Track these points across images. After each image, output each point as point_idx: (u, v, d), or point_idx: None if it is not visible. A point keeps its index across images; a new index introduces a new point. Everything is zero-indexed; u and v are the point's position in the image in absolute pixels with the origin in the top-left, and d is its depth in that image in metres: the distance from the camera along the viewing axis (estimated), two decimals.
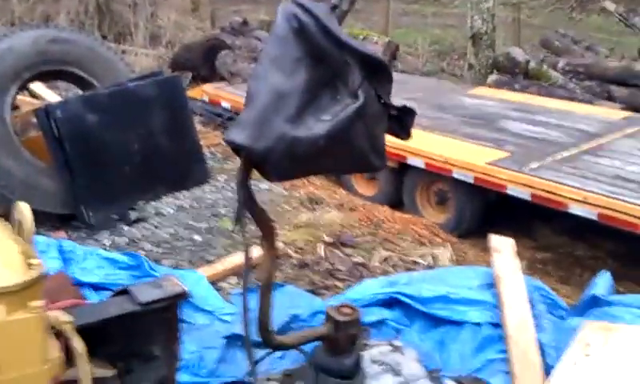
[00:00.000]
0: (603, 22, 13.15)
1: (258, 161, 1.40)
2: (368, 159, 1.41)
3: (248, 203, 1.48)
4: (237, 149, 1.42)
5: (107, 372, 1.57)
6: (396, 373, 1.81)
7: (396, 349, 1.91)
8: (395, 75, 7.17)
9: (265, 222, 1.56)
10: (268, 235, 1.56)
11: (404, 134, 1.50)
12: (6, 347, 1.11)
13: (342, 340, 1.64)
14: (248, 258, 1.46)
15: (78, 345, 1.30)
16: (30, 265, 1.17)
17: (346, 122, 1.32)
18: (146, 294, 1.75)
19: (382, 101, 1.43)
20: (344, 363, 1.64)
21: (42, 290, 1.20)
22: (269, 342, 1.63)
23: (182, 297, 1.80)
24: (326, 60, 1.36)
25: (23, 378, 1.14)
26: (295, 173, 1.45)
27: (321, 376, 1.64)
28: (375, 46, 9.93)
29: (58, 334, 1.31)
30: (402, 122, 1.48)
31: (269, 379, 1.79)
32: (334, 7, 1.49)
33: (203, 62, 10.34)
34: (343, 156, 1.39)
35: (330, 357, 1.65)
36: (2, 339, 1.11)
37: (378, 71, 1.43)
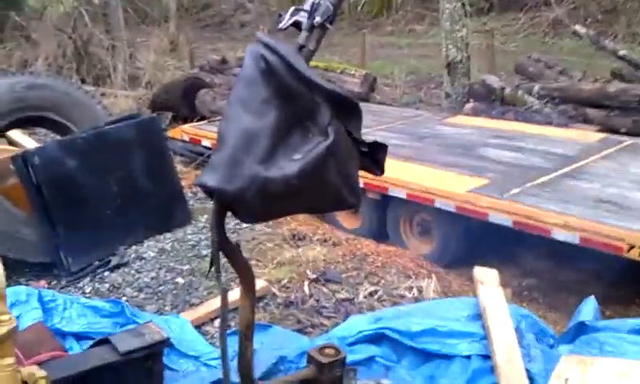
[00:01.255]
0: (576, 45, 13.44)
1: (231, 203, 1.39)
2: (342, 197, 1.40)
3: (223, 246, 1.45)
4: (209, 191, 1.41)
5: None
6: None
7: None
8: (374, 106, 7.28)
9: (241, 264, 1.53)
10: (245, 278, 1.54)
11: (377, 169, 1.50)
12: None
13: (326, 382, 1.60)
14: (225, 303, 1.44)
15: None
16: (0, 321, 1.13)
17: (318, 160, 1.32)
18: (127, 343, 1.72)
19: (353, 137, 1.43)
20: None
21: (14, 345, 1.16)
22: None
23: (163, 344, 1.77)
24: (295, 99, 1.37)
25: None
26: (269, 213, 1.44)
27: None
28: (353, 79, 10.05)
29: None
30: (374, 157, 1.48)
31: None
32: (301, 47, 1.50)
33: (183, 101, 10.37)
34: (317, 194, 1.38)
35: None
36: None
37: (346, 108, 1.44)
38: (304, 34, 1.60)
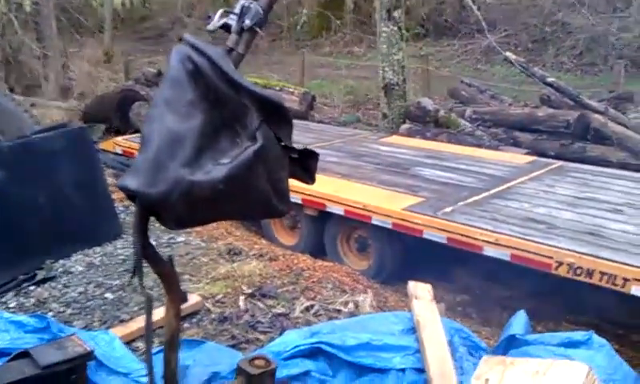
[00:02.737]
0: (506, 72, 13.97)
1: (154, 207, 1.33)
2: (271, 203, 1.36)
3: (146, 251, 1.39)
4: (131, 195, 1.34)
5: None
6: None
7: None
8: (313, 125, 7.31)
9: (165, 272, 1.47)
10: (170, 288, 1.48)
11: (307, 177, 1.48)
12: None
13: None
14: (149, 310, 1.37)
15: None
16: None
17: (246, 165, 1.28)
18: (48, 356, 1.62)
19: (282, 143, 1.40)
20: None
21: None
22: None
23: (86, 357, 1.68)
24: (223, 103, 1.33)
25: None
26: (195, 219, 1.39)
27: None
28: (292, 97, 10.08)
29: None
30: (304, 165, 1.46)
31: None
32: (230, 50, 1.46)
33: (116, 113, 10.12)
34: (244, 200, 1.34)
35: None
36: None
37: (276, 113, 1.41)
38: (233, 36, 1.57)
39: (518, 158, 7.39)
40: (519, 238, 4.78)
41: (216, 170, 1.28)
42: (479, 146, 8.01)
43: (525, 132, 8.60)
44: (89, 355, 1.70)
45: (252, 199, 1.35)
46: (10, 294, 4.07)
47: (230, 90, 1.33)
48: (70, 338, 1.81)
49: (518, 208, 5.45)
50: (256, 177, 1.31)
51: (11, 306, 3.94)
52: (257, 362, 1.60)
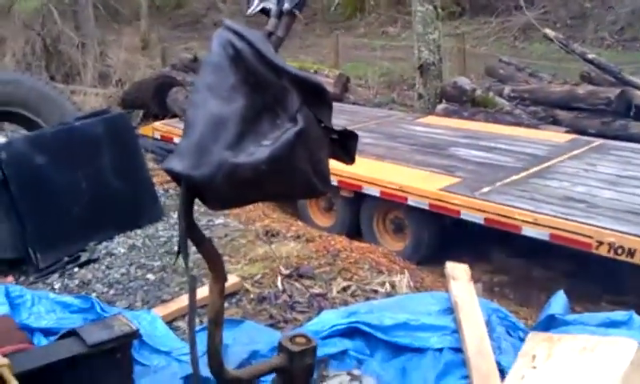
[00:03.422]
0: (545, 49, 13.66)
1: (199, 189, 1.36)
2: (311, 184, 1.38)
3: (191, 232, 1.43)
4: (176, 177, 1.38)
5: None
6: None
7: (355, 378, 1.88)
8: (347, 106, 7.33)
9: (210, 252, 1.51)
10: (214, 266, 1.51)
11: (347, 158, 1.49)
12: None
13: (297, 371, 1.59)
14: (192, 290, 1.41)
15: None
16: None
17: (287, 146, 1.30)
18: (95, 335, 1.68)
19: (322, 124, 1.42)
20: None
21: None
22: (220, 376, 1.57)
23: (132, 336, 1.74)
24: (264, 86, 1.35)
25: None
26: (238, 200, 1.42)
27: None
28: (327, 79, 10.07)
29: None
30: (344, 145, 1.47)
31: None
32: (270, 34, 1.48)
33: (154, 99, 10.27)
34: (286, 181, 1.36)
35: None
36: None
37: (316, 95, 1.42)
38: (273, 20, 1.59)
39: (557, 136, 7.27)
40: (559, 217, 4.72)
41: (258, 151, 1.31)
42: (518, 124, 7.89)
43: (565, 110, 8.42)
44: (134, 334, 1.76)
45: (293, 180, 1.37)
46: (55, 275, 4.19)
47: (271, 74, 1.35)
48: (115, 317, 1.87)
49: (558, 187, 5.37)
50: (297, 158, 1.33)
51: (56, 287, 4.06)
52: (298, 339, 1.63)
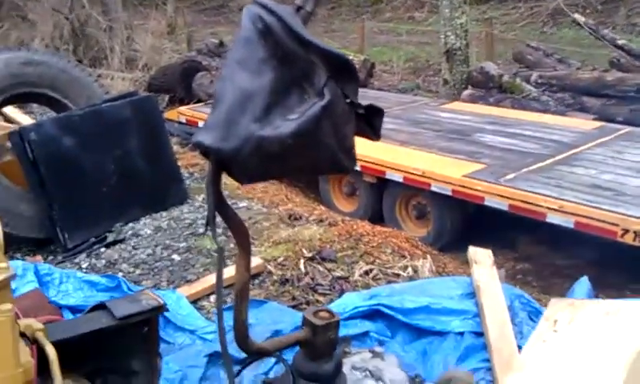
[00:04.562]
0: (574, 35, 13.42)
1: (227, 162, 1.38)
2: (337, 159, 1.39)
3: (219, 206, 1.46)
4: (205, 151, 1.40)
5: None
6: (377, 378, 1.79)
7: (377, 355, 1.90)
8: (372, 92, 7.30)
9: (237, 225, 1.53)
10: (241, 240, 1.54)
11: (373, 134, 1.50)
12: None
13: (321, 344, 1.61)
14: (221, 261, 1.44)
15: (50, 351, 1.27)
16: None
17: (313, 120, 1.31)
18: (123, 308, 1.72)
19: (349, 100, 1.42)
20: (323, 368, 1.62)
21: (10, 293, 1.17)
22: (246, 348, 1.60)
23: (159, 310, 1.78)
24: (292, 60, 1.36)
25: None
26: (264, 173, 1.43)
27: (300, 381, 1.62)
28: None
29: (31, 342, 1.29)
30: (370, 122, 1.48)
31: None
32: (299, 8, 1.48)
33: (180, 84, 10.34)
34: (312, 156, 1.37)
35: (309, 362, 1.63)
36: None
37: (343, 70, 1.43)
38: None
39: (585, 123, 7.16)
40: (584, 205, 4.67)
41: (285, 125, 1.33)
42: (545, 111, 7.78)
43: (593, 97, 8.27)
44: (162, 308, 1.80)
45: (319, 154, 1.39)
46: (82, 255, 4.29)
47: (299, 47, 1.36)
48: (143, 293, 1.91)
49: (584, 175, 5.30)
50: (323, 132, 1.34)
51: (83, 266, 4.16)
52: (321, 314, 1.66)
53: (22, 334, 1.23)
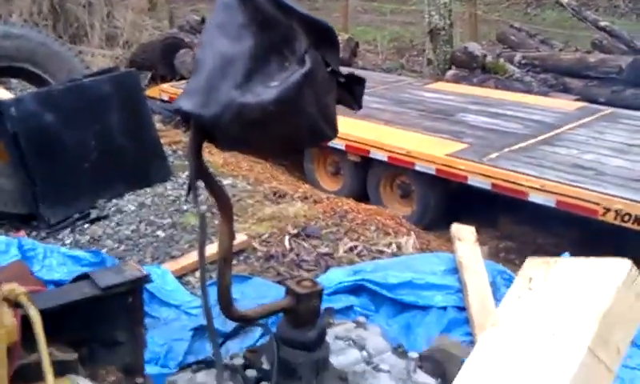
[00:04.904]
0: (557, 16, 13.48)
1: (208, 128, 1.37)
2: (319, 128, 1.39)
3: (200, 173, 1.45)
4: (185, 117, 1.39)
5: (68, 355, 1.53)
6: (361, 347, 1.81)
7: (360, 325, 1.92)
8: (356, 71, 7.24)
9: (220, 192, 1.53)
10: (223, 206, 1.54)
11: (354, 103, 1.49)
12: None
13: (304, 312, 1.63)
14: (203, 228, 1.44)
15: (34, 314, 1.26)
16: None
17: (294, 88, 1.30)
18: (107, 278, 1.72)
19: (330, 68, 1.42)
20: (307, 335, 1.63)
21: None
22: (229, 314, 1.61)
23: (143, 281, 1.77)
24: (272, 26, 1.34)
25: None
26: (246, 141, 1.42)
27: (284, 349, 1.63)
28: None
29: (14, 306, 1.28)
30: (351, 90, 1.47)
31: (232, 357, 1.77)
32: None
33: (161, 61, 10.22)
34: (293, 124, 1.37)
35: (293, 330, 1.64)
36: None
37: (324, 37, 1.42)
38: None
39: (567, 104, 7.22)
40: (566, 184, 4.73)
41: (266, 92, 1.32)
42: (528, 92, 7.84)
43: (575, 78, 8.35)
44: (146, 279, 1.79)
45: (300, 123, 1.38)
46: (66, 231, 4.25)
47: (279, 13, 1.35)
48: (127, 263, 1.90)
49: (566, 154, 5.37)
50: (304, 100, 1.33)
51: (67, 242, 4.12)
52: (304, 283, 1.66)
53: (5, 300, 1.22)
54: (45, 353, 1.25)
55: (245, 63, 1.35)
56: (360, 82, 1.49)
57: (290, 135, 1.43)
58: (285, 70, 1.34)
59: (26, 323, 1.28)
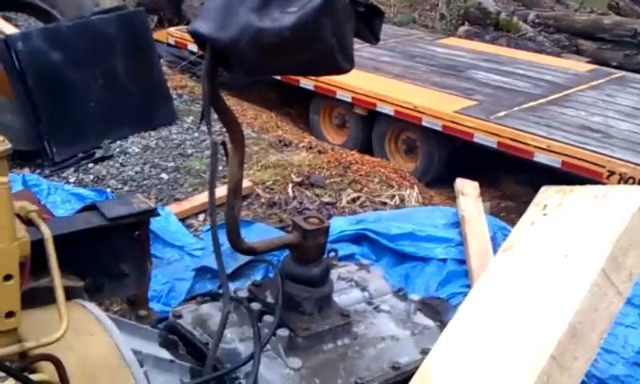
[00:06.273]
0: None
1: (224, 52, 1.36)
2: (335, 58, 1.36)
3: (214, 99, 1.44)
4: (201, 40, 1.37)
5: (74, 282, 1.55)
6: (362, 288, 1.83)
7: (363, 267, 1.94)
8: None
9: (231, 121, 1.52)
10: (235, 136, 1.53)
11: (371, 36, 1.46)
12: None
13: (310, 248, 1.64)
14: (214, 155, 1.43)
15: (45, 230, 1.28)
16: None
17: (312, 15, 1.28)
18: (114, 209, 1.72)
19: None
20: (312, 271, 1.65)
21: (7, 167, 1.16)
22: (237, 245, 1.62)
23: (150, 213, 1.78)
24: None
25: None
26: (261, 67, 1.40)
27: (288, 284, 1.65)
28: None
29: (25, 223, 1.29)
30: (369, 23, 1.45)
31: (236, 291, 1.79)
32: None
33: (169, 5, 10.07)
34: (310, 52, 1.34)
35: (298, 265, 1.66)
36: None
37: None
38: None
39: (579, 66, 7.14)
40: (572, 145, 4.71)
41: (283, 18, 1.29)
42: (540, 51, 7.73)
43: (589, 40, 8.23)
44: (152, 211, 1.80)
45: (317, 52, 1.35)
46: (70, 170, 4.27)
47: None
48: (134, 195, 1.91)
49: (574, 116, 5.33)
50: (322, 28, 1.30)
51: (71, 180, 4.14)
52: (311, 219, 1.67)
53: (16, 216, 1.23)
54: (57, 271, 1.26)
55: None
56: (380, 14, 1.45)
57: (306, 63, 1.40)
58: None
59: (33, 247, 1.29)
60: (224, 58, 1.39)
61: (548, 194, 1.63)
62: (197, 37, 1.38)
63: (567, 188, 1.60)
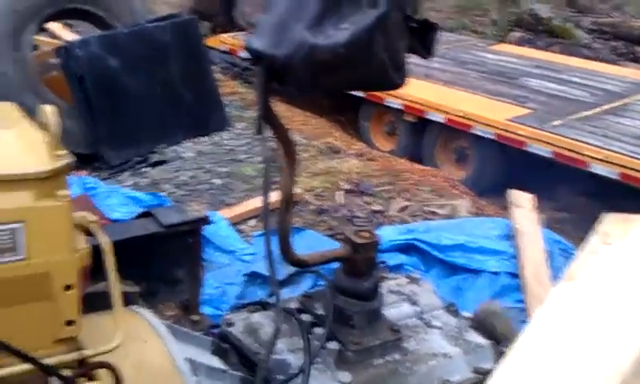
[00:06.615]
0: None
1: (279, 68, 1.37)
2: (388, 74, 1.35)
3: (267, 114, 1.45)
4: (257, 56, 1.39)
5: (130, 287, 1.58)
6: (413, 302, 1.81)
7: (413, 281, 1.91)
8: None
9: (285, 135, 1.53)
10: (288, 149, 1.54)
11: (425, 51, 1.44)
12: (34, 233, 1.11)
13: (361, 262, 1.63)
14: (269, 166, 1.45)
15: (105, 242, 1.31)
16: (56, 155, 1.16)
17: (366, 31, 1.27)
18: (169, 216, 1.75)
19: (404, 13, 1.37)
20: (363, 285, 1.64)
21: (67, 181, 1.20)
22: (289, 257, 1.63)
23: (204, 222, 1.81)
24: None
25: (52, 264, 1.15)
26: (315, 84, 1.40)
27: (339, 297, 1.65)
28: None
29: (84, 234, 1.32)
30: (423, 38, 1.43)
31: (287, 301, 1.80)
32: None
33: (221, 12, 10.23)
34: (362, 69, 1.34)
35: (349, 279, 1.65)
36: (29, 225, 1.12)
37: None
38: None
39: (636, 73, 6.91)
40: (631, 156, 4.56)
41: (337, 34, 1.29)
42: (595, 58, 7.52)
43: None
44: (205, 220, 1.83)
45: (370, 68, 1.35)
46: (126, 173, 4.37)
47: None
48: (187, 204, 1.95)
49: (632, 126, 5.17)
50: (375, 44, 1.30)
51: (127, 184, 4.24)
52: (362, 233, 1.67)
53: (76, 226, 1.26)
54: (115, 280, 1.29)
55: (317, 4, 1.32)
56: (433, 28, 1.43)
57: (358, 79, 1.40)
58: (357, 12, 1.31)
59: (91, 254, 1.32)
60: (278, 73, 1.40)
61: (611, 222, 1.57)
62: (253, 53, 1.40)
63: (632, 217, 1.54)
